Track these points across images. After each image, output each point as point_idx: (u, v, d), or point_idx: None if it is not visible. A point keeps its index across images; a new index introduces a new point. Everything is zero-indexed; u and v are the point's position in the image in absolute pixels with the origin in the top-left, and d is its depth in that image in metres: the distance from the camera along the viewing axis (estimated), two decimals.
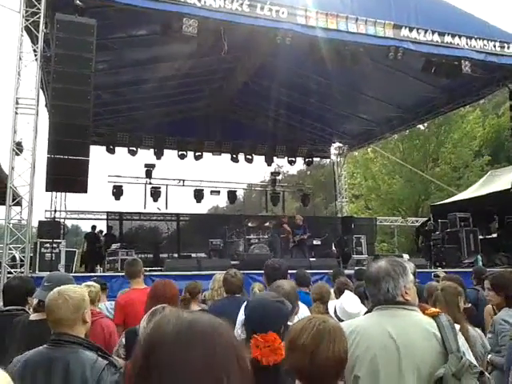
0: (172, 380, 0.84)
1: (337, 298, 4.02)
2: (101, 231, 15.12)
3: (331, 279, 5.85)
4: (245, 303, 3.36)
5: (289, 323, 2.55)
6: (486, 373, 1.90)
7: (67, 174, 8.21)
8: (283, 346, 2.03)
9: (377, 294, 2.11)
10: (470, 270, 7.43)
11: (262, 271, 3.98)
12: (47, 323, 2.36)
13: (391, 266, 2.11)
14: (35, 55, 8.85)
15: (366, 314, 2.32)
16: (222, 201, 33.80)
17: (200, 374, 0.84)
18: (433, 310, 2.08)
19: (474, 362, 1.95)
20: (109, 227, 15.64)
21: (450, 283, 3.64)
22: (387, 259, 2.19)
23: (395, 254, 15.84)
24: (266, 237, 13.67)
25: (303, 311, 3.23)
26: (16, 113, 8.57)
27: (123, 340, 3.12)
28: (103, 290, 5.09)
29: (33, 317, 3.08)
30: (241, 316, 3.18)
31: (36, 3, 8.43)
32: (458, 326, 2.04)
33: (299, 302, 3.07)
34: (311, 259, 11.83)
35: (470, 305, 4.23)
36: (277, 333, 2.11)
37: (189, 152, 17.08)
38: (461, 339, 1.99)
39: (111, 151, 16.23)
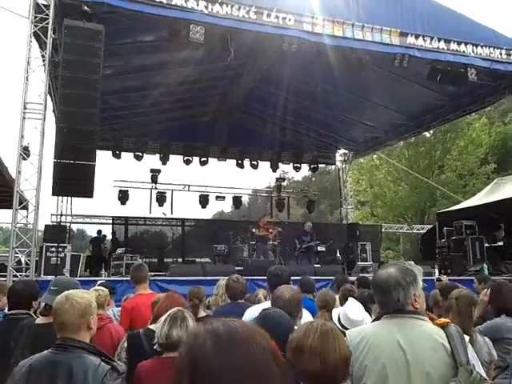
0: None
1: (341, 305, 4.01)
2: (104, 236, 15.15)
3: (334, 286, 5.84)
4: (254, 307, 3.36)
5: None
6: None
7: (73, 179, 8.26)
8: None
9: (387, 302, 2.07)
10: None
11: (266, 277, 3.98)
12: (53, 327, 2.38)
13: (401, 275, 2.06)
14: (43, 61, 8.93)
15: (374, 321, 2.28)
16: (227, 206, 33.84)
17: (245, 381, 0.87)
18: (442, 319, 2.05)
19: (484, 375, 1.93)
20: (112, 232, 15.66)
21: (465, 292, 3.61)
22: (396, 266, 2.13)
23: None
24: (270, 243, 13.66)
25: (306, 317, 3.22)
26: (24, 117, 8.65)
27: (125, 344, 3.12)
28: (111, 295, 5.07)
29: (39, 320, 3.10)
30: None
31: (45, 9, 8.52)
32: (467, 338, 2.01)
33: (303, 309, 3.07)
34: (316, 265, 11.81)
35: None
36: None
37: (194, 157, 17.14)
38: (470, 351, 1.96)
39: (117, 156, 16.30)
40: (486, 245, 13.06)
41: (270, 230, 13.10)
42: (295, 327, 2.49)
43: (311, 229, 13.49)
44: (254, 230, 13.12)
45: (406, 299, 2.03)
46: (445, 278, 7.39)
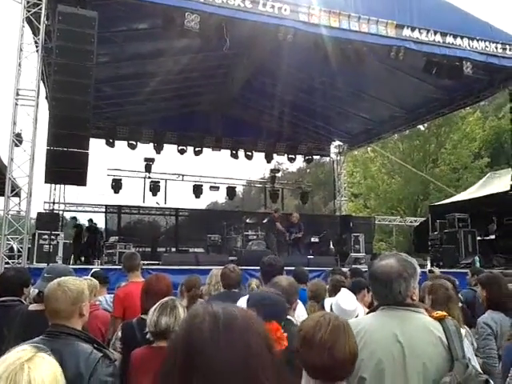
0: (214, 382, 0.87)
1: (330, 296, 4.02)
2: (95, 224, 15.05)
3: (329, 277, 5.87)
4: (246, 296, 3.38)
5: (289, 317, 2.59)
6: (491, 381, 1.87)
7: (66, 167, 8.20)
8: (285, 337, 2.08)
9: (387, 294, 2.03)
10: (467, 270, 7.46)
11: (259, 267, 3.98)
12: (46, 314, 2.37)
13: (403, 267, 2.03)
14: (36, 47, 8.83)
15: (369, 312, 2.27)
16: (221, 197, 33.79)
17: (239, 371, 0.87)
18: (440, 313, 2.03)
19: (479, 369, 1.93)
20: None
21: (449, 283, 3.65)
22: (396, 257, 2.09)
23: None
24: (264, 233, 13.69)
25: (299, 308, 3.24)
26: (16, 104, 8.57)
27: (119, 333, 3.13)
28: (104, 284, 5.09)
29: (32, 307, 3.09)
30: None
31: None
32: (463, 331, 2.00)
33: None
34: (309, 257, 11.85)
35: (461, 304, 4.26)
36: (279, 323, 2.15)
37: (189, 147, 17.06)
38: (466, 344, 1.96)
39: (111, 144, 16.21)
40: (478, 238, 13.14)
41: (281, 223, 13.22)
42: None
43: (299, 220, 13.51)
44: (276, 224, 13.10)
45: (407, 291, 2.01)
46: (437, 270, 7.45)
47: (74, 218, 14.93)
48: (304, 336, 1.80)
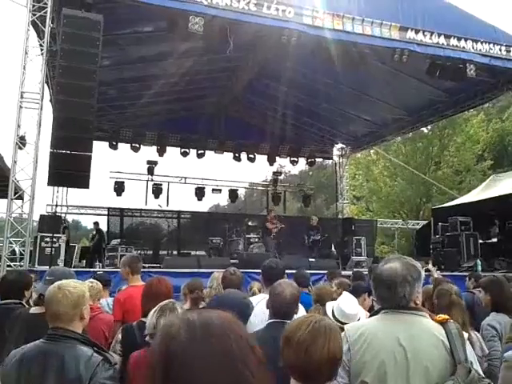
0: None
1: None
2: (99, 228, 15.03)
3: (327, 280, 5.86)
4: (262, 299, 3.39)
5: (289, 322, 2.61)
6: None
7: (69, 169, 8.22)
8: None
9: (391, 298, 2.03)
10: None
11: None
12: None
13: (407, 271, 2.03)
14: (41, 50, 8.88)
15: (371, 316, 2.26)
16: (223, 199, 33.79)
17: (222, 373, 0.85)
18: (442, 316, 2.03)
19: (481, 373, 1.92)
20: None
21: (456, 288, 3.66)
22: (401, 261, 2.09)
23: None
24: (272, 236, 13.71)
25: (300, 312, 3.23)
26: (20, 107, 8.62)
27: (119, 336, 3.13)
28: (106, 287, 5.08)
29: (33, 310, 3.10)
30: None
31: None
32: (466, 335, 2.00)
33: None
34: (310, 259, 11.85)
35: None
36: None
37: (191, 150, 17.08)
38: (469, 348, 1.96)
39: (114, 147, 16.24)
40: (481, 241, 13.09)
41: (277, 225, 13.22)
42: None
43: (318, 223, 13.64)
44: (266, 224, 13.17)
45: (411, 295, 2.01)
46: (434, 269, 7.36)
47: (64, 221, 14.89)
48: (286, 336, 1.80)
